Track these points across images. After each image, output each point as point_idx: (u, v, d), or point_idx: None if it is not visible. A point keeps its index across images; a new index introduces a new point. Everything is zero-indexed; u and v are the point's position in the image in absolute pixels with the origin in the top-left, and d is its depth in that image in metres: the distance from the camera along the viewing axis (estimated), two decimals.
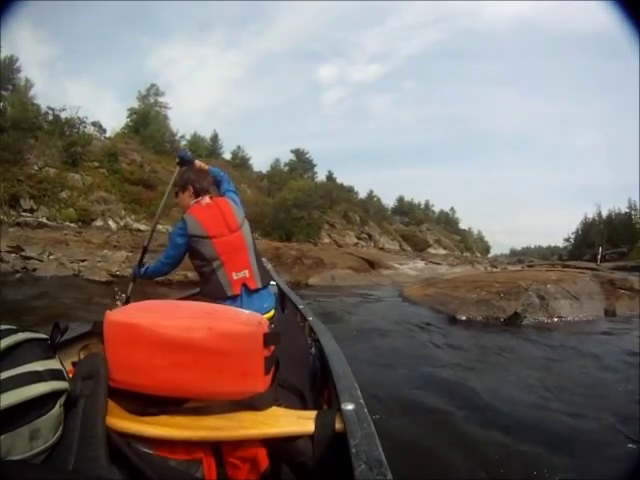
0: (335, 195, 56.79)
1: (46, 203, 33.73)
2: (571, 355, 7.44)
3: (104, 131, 51.84)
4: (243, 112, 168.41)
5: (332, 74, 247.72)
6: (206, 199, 2.93)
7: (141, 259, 3.51)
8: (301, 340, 2.38)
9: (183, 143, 56.22)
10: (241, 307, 2.48)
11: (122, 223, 35.29)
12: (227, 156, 62.78)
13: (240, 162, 61.52)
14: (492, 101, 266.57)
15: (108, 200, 36.83)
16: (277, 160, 65.18)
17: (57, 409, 1.09)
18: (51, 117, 42.22)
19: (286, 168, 63.21)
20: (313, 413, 1.41)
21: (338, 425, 1.33)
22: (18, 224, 28.88)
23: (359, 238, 56.74)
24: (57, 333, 1.21)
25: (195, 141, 57.96)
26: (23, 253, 15.93)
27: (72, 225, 32.12)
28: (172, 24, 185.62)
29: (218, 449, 1.37)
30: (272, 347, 1.46)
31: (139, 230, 33.54)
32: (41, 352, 1.11)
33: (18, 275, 13.64)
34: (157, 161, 45.20)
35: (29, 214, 32.04)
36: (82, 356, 1.52)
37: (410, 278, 20.49)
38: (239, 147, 64.82)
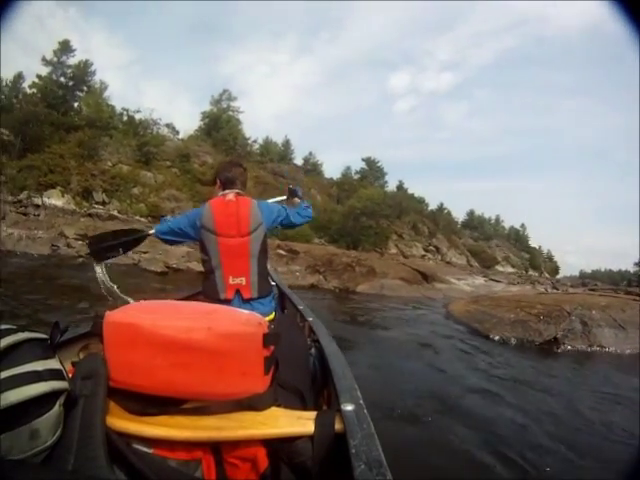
0: (405, 205, 56.28)
1: (118, 197, 35.83)
2: (601, 390, 6.58)
3: (177, 133, 53.66)
4: (315, 119, 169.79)
5: (404, 82, 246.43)
6: (231, 195, 2.85)
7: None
8: (301, 340, 2.35)
9: (255, 147, 57.98)
10: None
11: None
12: (299, 161, 63.50)
13: (311, 168, 62.05)
14: (566, 111, 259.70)
15: (179, 198, 37.90)
16: (348, 168, 64.64)
17: (57, 409, 1.08)
18: (126, 117, 45.51)
19: (357, 176, 62.82)
20: (313, 413, 1.40)
21: (338, 425, 1.32)
22: (90, 215, 30.94)
23: (426, 250, 56.05)
24: (57, 333, 1.21)
25: (267, 145, 59.13)
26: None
27: (142, 219, 33.35)
28: (247, 31, 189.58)
29: (218, 449, 1.37)
30: (272, 347, 1.46)
31: None
32: (41, 352, 1.11)
33: (80, 260, 14.45)
34: None
35: (101, 206, 34.00)
36: (82, 356, 1.59)
37: (463, 294, 19.67)
38: (311, 153, 65.39)
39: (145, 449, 1.26)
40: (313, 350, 2.28)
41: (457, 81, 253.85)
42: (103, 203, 34.83)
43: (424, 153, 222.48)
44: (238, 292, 2.67)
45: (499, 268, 64.88)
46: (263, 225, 2.78)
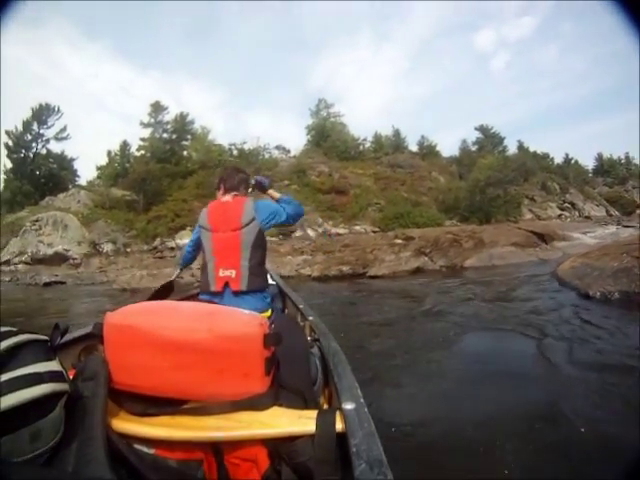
0: (529, 166, 52.14)
1: None
2: None
3: (288, 152, 54.50)
4: (419, 101, 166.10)
5: (490, 39, 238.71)
6: (227, 196, 3.01)
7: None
8: (301, 339, 2.23)
9: (367, 145, 57.49)
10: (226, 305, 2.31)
11: (320, 230, 36.86)
12: (413, 147, 61.21)
13: (427, 151, 59.68)
14: None
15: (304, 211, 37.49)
16: (464, 141, 61.68)
17: (58, 411, 1.09)
18: (235, 151, 47.83)
19: (475, 147, 59.52)
20: (313, 413, 1.40)
21: (339, 425, 1.32)
22: None
23: (562, 209, 51.32)
24: (57, 335, 1.21)
25: (377, 140, 58.37)
26: None
27: (273, 239, 34.12)
28: (322, 38, 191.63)
29: (218, 449, 1.39)
30: (272, 348, 1.46)
31: (338, 234, 35.08)
32: (41, 354, 1.11)
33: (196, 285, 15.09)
34: (344, 168, 47.01)
35: None
36: (82, 358, 1.67)
37: (587, 248, 16.64)
38: (423, 137, 62.36)
39: (146, 450, 1.27)
40: (314, 349, 2.25)
41: (537, 22, 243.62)
42: None
43: (534, 106, 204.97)
44: (227, 285, 2.69)
45: None
46: (256, 221, 2.80)
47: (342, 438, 1.25)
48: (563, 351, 5.22)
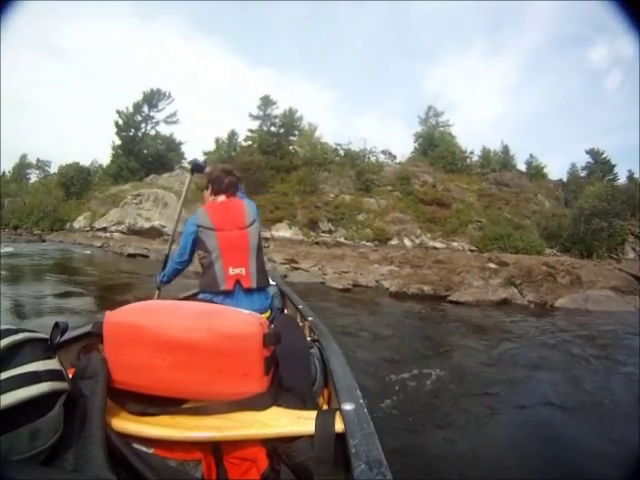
0: (638, 199, 50.18)
1: (344, 225, 37.71)
2: None
3: (394, 157, 53.86)
4: (527, 118, 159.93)
5: (603, 55, 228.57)
6: (221, 197, 2.96)
7: (163, 267, 3.57)
8: (301, 340, 2.22)
9: (474, 159, 56.03)
10: (235, 304, 2.40)
11: (417, 241, 36.28)
12: (521, 166, 58.19)
13: (535, 172, 56.86)
14: None
15: (403, 220, 38.13)
16: (573, 165, 57.41)
17: (57, 409, 1.09)
18: (341, 152, 47.79)
19: (583, 173, 55.17)
20: (313, 413, 1.39)
21: (338, 425, 1.31)
22: (317, 243, 34.00)
23: None
24: (57, 333, 1.21)
25: (485, 155, 56.58)
26: (294, 264, 18.60)
27: (368, 244, 34.51)
28: (434, 44, 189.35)
29: (218, 449, 1.38)
30: (272, 347, 1.47)
31: (435, 248, 34.42)
32: (41, 352, 1.11)
33: None
34: (449, 180, 45.70)
35: (327, 235, 36.53)
36: (82, 356, 1.64)
37: None
38: (531, 156, 58.55)
39: (145, 449, 1.26)
40: (313, 350, 2.25)
41: None
42: (329, 232, 36.81)
43: None
44: (238, 282, 2.66)
45: None
46: (257, 223, 2.82)
47: (341, 439, 1.25)
48: None
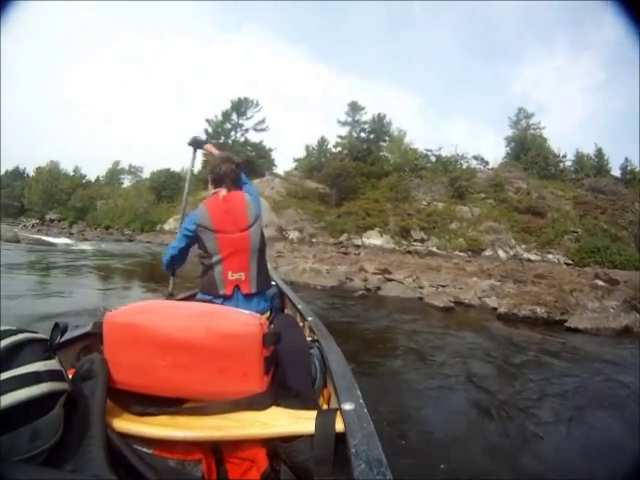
0: None
1: (436, 234, 37.09)
2: None
3: (486, 163, 52.71)
4: (618, 117, 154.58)
5: None
6: (223, 192, 2.81)
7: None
8: (301, 340, 2.26)
9: (568, 164, 53.57)
10: (235, 307, 2.25)
11: (512, 253, 34.92)
12: (615, 172, 52.74)
13: (631, 177, 51.44)
14: None
15: (497, 230, 37.03)
16: None
17: (57, 410, 1.09)
18: (433, 157, 48.06)
19: None
20: (313, 413, 1.39)
21: (338, 425, 1.31)
22: (409, 252, 32.90)
23: None
24: (57, 334, 1.21)
25: (579, 159, 54.01)
26: (387, 275, 17.46)
27: (461, 254, 33.44)
28: (516, 44, 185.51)
29: (218, 449, 1.38)
30: (271, 347, 1.47)
31: (529, 260, 32.66)
32: (41, 353, 1.12)
33: (360, 292, 14.50)
34: (544, 186, 43.92)
35: (419, 243, 35.99)
36: (82, 357, 1.57)
37: None
38: (627, 159, 52.61)
39: (145, 449, 1.26)
40: (313, 350, 2.25)
41: None
42: (422, 240, 36.09)
43: None
44: (237, 288, 2.62)
45: None
46: (260, 219, 2.76)
47: (341, 438, 1.23)
48: None
